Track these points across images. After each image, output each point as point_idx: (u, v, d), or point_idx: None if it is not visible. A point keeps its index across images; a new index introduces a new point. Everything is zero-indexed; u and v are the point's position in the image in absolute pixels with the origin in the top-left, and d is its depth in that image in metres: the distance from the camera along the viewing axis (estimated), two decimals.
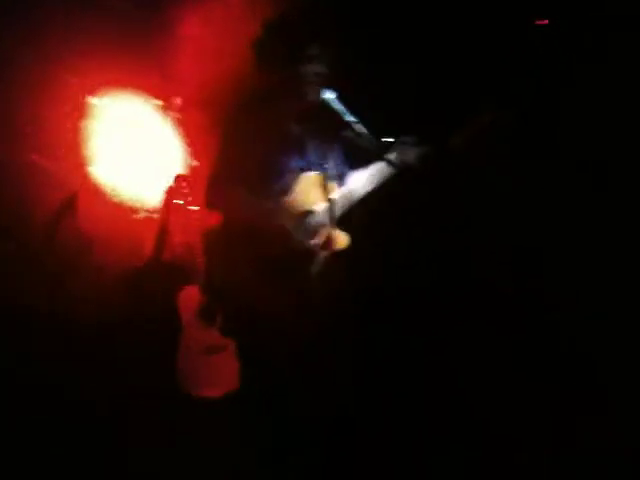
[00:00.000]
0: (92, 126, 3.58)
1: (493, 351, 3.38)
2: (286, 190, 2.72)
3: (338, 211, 2.73)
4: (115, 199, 3.62)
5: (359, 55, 3.40)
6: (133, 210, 3.66)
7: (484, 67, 3.43)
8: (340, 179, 2.83)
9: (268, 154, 2.72)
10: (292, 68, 2.70)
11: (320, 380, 2.75)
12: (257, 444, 2.84)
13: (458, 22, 3.49)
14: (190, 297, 3.06)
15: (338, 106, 2.61)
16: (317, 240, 2.73)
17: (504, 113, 2.73)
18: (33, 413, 3.04)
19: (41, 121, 3.45)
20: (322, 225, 2.73)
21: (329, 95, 2.62)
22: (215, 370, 3.02)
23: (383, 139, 2.68)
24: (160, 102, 3.66)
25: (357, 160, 2.83)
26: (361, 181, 2.78)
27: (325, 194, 2.72)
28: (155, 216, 3.63)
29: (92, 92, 3.56)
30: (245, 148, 2.70)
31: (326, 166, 2.78)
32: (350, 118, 2.57)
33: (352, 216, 2.78)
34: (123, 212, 3.64)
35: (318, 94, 2.65)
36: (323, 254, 2.72)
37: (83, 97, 3.54)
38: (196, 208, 3.02)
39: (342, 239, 2.77)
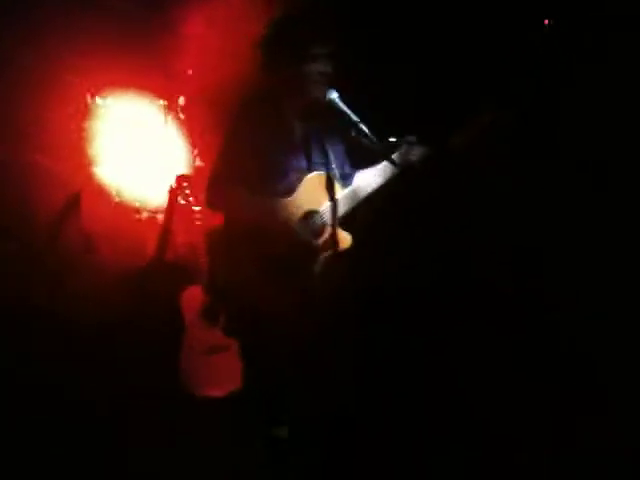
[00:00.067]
0: (96, 126, 3.58)
1: (493, 351, 3.38)
2: (290, 190, 2.72)
3: (342, 211, 2.73)
4: (118, 199, 3.63)
5: (359, 55, 3.40)
6: (136, 210, 3.67)
7: (484, 67, 3.43)
8: (344, 179, 2.83)
9: (271, 154, 2.72)
10: (296, 67, 2.70)
11: (321, 379, 2.75)
12: (257, 444, 2.84)
13: (458, 22, 3.50)
14: (193, 297, 3.06)
15: (342, 106, 2.60)
16: (321, 240, 2.73)
17: (504, 113, 2.73)
18: (33, 413, 3.04)
19: (44, 121, 3.46)
20: (326, 225, 2.73)
21: (333, 95, 2.62)
22: (218, 370, 3.02)
23: (387, 139, 2.68)
24: (163, 102, 3.67)
25: (361, 160, 2.82)
26: (365, 181, 2.78)
27: (329, 194, 2.72)
28: (158, 216, 3.64)
29: (96, 92, 3.56)
30: (248, 148, 2.70)
31: (330, 166, 2.78)
32: (354, 118, 2.57)
33: (356, 216, 2.78)
34: (126, 212, 3.64)
35: (322, 93, 2.65)
36: (326, 254, 2.72)
37: (86, 97, 3.55)
38: (199, 208, 3.02)
39: (345, 239, 2.77)
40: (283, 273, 2.68)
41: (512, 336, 3.39)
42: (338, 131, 2.81)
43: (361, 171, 2.82)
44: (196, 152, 3.69)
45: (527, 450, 3.01)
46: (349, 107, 2.59)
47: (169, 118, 3.68)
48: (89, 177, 3.57)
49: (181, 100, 3.68)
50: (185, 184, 3.15)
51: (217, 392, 3.00)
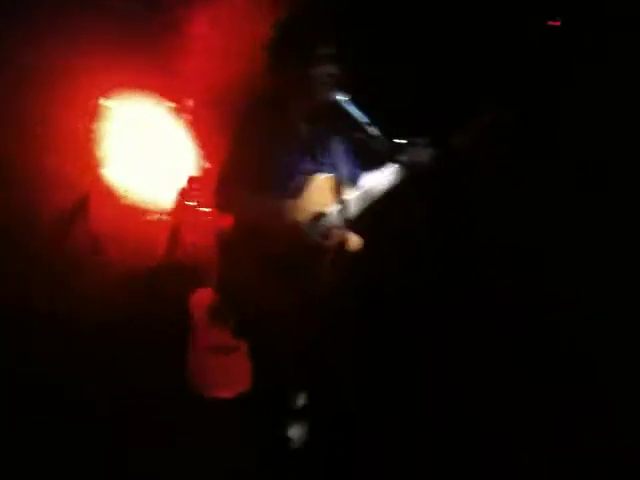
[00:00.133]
0: (104, 128, 3.58)
1: (493, 351, 3.38)
2: (298, 192, 2.72)
3: (350, 213, 2.73)
4: (127, 200, 3.63)
5: (359, 55, 3.40)
6: (145, 211, 3.67)
7: (484, 67, 3.44)
8: (351, 181, 2.83)
9: (279, 155, 2.71)
10: (303, 69, 2.69)
11: (321, 378, 2.75)
12: (257, 444, 2.84)
13: (458, 22, 3.50)
14: (202, 298, 3.05)
15: (350, 107, 2.60)
16: (329, 242, 2.73)
17: (504, 113, 2.73)
18: (33, 413, 3.04)
19: (53, 123, 3.45)
20: (334, 227, 2.73)
21: (340, 96, 2.61)
22: (227, 371, 3.01)
23: (394, 141, 2.68)
24: (172, 104, 3.67)
25: (369, 162, 2.82)
26: (373, 183, 2.78)
27: (337, 196, 2.72)
28: (167, 217, 3.64)
29: (104, 94, 3.56)
30: (256, 149, 2.69)
31: (337, 168, 2.78)
32: (362, 119, 2.56)
33: (364, 218, 2.78)
34: (135, 213, 3.64)
35: (330, 95, 2.64)
36: (335, 256, 2.72)
37: (95, 99, 3.55)
38: (207, 209, 3.02)
39: (354, 241, 2.77)
40: (291, 275, 2.67)
41: (512, 336, 3.39)
42: (345, 133, 2.81)
43: (369, 173, 2.82)
44: (204, 153, 3.69)
45: (527, 450, 3.01)
46: (356, 108, 2.59)
47: (177, 119, 3.68)
48: (97, 178, 3.57)
49: (189, 101, 3.68)
50: (193, 185, 3.14)
51: (226, 393, 2.99)
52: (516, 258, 3.52)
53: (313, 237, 2.68)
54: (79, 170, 3.52)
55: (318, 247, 2.69)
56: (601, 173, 3.33)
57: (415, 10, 3.51)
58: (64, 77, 3.40)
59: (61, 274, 3.42)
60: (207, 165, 3.66)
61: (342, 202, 2.69)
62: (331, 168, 2.77)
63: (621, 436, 2.95)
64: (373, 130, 2.54)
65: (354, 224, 2.74)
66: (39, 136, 3.44)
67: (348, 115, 2.58)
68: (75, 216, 3.50)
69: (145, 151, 3.64)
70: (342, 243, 2.70)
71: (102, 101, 3.55)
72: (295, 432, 2.78)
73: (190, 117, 3.69)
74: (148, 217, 3.65)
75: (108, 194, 3.58)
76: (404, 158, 2.71)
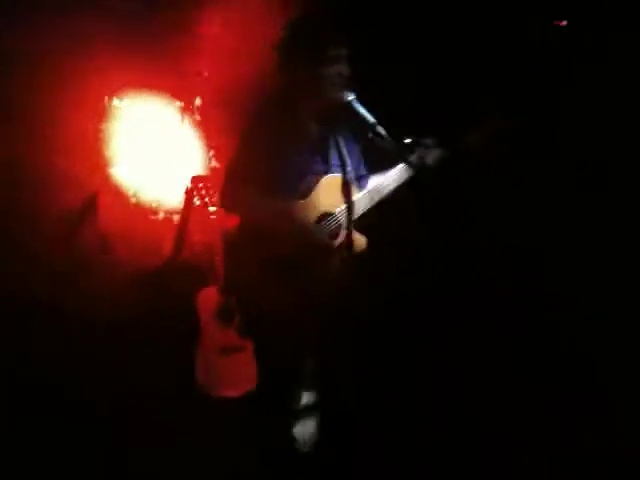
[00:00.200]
0: (112, 127, 3.58)
1: (493, 351, 3.38)
2: (306, 192, 2.71)
3: (358, 213, 2.73)
4: (135, 200, 3.63)
5: (359, 55, 3.39)
6: (153, 211, 3.67)
7: (484, 67, 3.44)
8: (360, 181, 2.82)
9: (287, 155, 2.71)
10: (313, 69, 2.68)
11: (321, 377, 2.76)
12: (258, 444, 2.84)
13: (459, 22, 3.50)
14: (208, 297, 3.04)
15: (359, 107, 2.60)
16: (336, 242, 2.72)
17: (513, 116, 2.74)
18: (33, 413, 3.04)
19: (61, 123, 3.45)
20: (341, 227, 2.73)
21: (350, 96, 2.61)
22: (233, 370, 3.00)
23: (403, 141, 2.68)
24: (180, 103, 3.67)
25: (377, 162, 2.82)
26: (381, 183, 2.77)
27: (345, 196, 2.72)
28: (175, 217, 3.64)
29: (113, 93, 3.56)
30: (264, 149, 2.69)
31: (346, 168, 2.77)
32: (371, 120, 2.56)
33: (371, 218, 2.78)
34: (143, 213, 3.64)
35: (339, 95, 2.64)
36: (341, 256, 2.72)
37: (104, 99, 3.55)
38: (215, 209, 3.01)
39: (360, 241, 2.77)
40: (298, 274, 2.67)
41: (512, 336, 3.39)
42: (354, 133, 2.80)
43: (377, 173, 2.82)
44: (212, 153, 3.70)
45: (527, 450, 3.01)
46: (366, 109, 2.59)
47: (185, 119, 3.68)
48: (106, 178, 3.57)
49: (197, 101, 3.68)
50: (201, 185, 3.14)
51: (233, 392, 2.98)
52: (516, 258, 3.52)
53: (321, 237, 2.68)
54: (88, 170, 3.51)
55: (326, 247, 2.69)
56: (601, 173, 3.33)
57: (416, 10, 3.51)
58: (73, 78, 3.40)
59: (70, 273, 3.42)
60: (215, 165, 3.67)
61: (350, 202, 2.70)
62: (339, 168, 2.77)
63: (621, 436, 2.95)
64: (382, 130, 2.54)
65: (361, 224, 2.74)
66: (49, 137, 3.44)
67: (357, 115, 2.58)
68: (84, 215, 3.50)
69: (154, 151, 3.64)
70: (350, 243, 2.70)
71: (111, 101, 3.55)
72: (300, 431, 2.79)
73: (199, 117, 3.69)
74: (157, 216, 3.66)
75: (117, 194, 3.58)
76: (412, 158, 2.71)
